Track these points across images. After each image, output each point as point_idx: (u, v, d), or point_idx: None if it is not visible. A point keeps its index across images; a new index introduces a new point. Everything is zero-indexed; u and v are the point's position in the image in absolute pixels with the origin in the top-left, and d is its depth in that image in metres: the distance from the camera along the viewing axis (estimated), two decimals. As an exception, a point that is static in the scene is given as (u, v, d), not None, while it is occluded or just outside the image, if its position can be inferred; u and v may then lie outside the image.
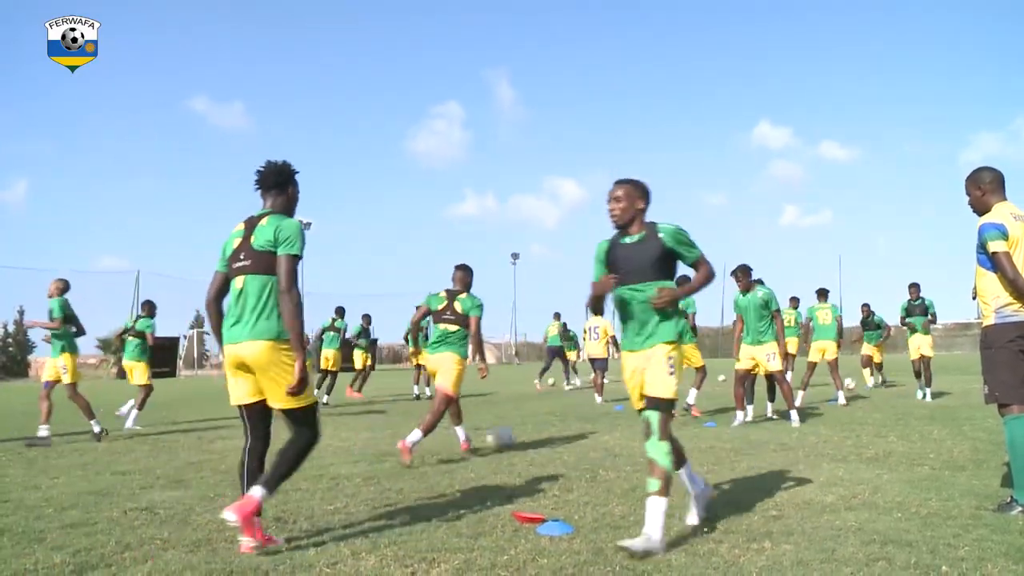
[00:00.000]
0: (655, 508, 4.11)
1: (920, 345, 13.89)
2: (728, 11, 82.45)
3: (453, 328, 7.82)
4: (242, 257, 4.28)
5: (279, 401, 4.23)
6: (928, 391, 13.56)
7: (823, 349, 13.76)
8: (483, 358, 8.05)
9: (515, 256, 60.05)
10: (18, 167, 77.17)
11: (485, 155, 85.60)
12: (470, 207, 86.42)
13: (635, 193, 4.51)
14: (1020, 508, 4.61)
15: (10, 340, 50.28)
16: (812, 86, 79.74)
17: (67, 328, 10.20)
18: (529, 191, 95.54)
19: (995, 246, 4.74)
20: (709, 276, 4.48)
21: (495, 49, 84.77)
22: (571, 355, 22.91)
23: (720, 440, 8.49)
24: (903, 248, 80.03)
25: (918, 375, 13.93)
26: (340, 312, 16.64)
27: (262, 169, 4.46)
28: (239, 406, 4.35)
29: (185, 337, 48.84)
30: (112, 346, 43.16)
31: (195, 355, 49.55)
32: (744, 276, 10.23)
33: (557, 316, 20.64)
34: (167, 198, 77.49)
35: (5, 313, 53.57)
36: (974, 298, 5.22)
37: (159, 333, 13.01)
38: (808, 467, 6.54)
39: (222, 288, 4.40)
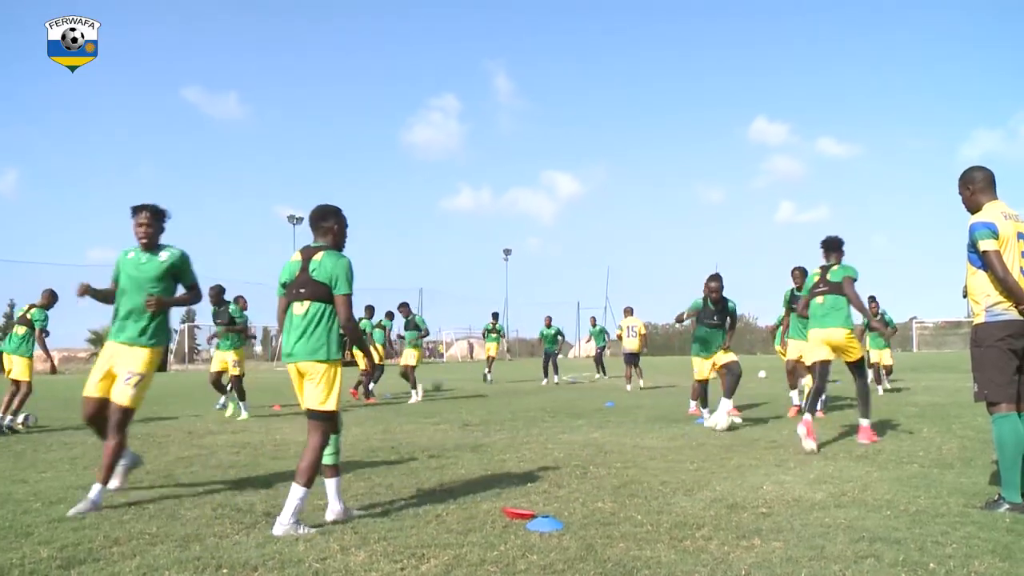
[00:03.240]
0: None
1: (881, 356, 15.13)
2: (726, 6, 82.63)
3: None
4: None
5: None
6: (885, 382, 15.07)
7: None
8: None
9: (507, 252, 60.09)
10: (7, 156, 76.66)
11: (481, 148, 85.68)
12: (465, 200, 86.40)
13: None
14: (1007, 506, 4.64)
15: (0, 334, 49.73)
16: (809, 82, 79.99)
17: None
18: (526, 185, 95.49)
19: (985, 245, 4.75)
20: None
21: (493, 41, 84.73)
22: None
23: (711, 437, 8.51)
24: (899, 245, 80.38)
25: (877, 377, 14.84)
26: (370, 311, 16.89)
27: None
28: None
29: (176, 331, 48.70)
30: (103, 340, 43.09)
31: (186, 350, 49.41)
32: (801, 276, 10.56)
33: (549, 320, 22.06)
34: (160, 189, 77.23)
35: (-7, 307, 53.30)
36: (964, 296, 5.23)
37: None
38: (798, 464, 6.56)
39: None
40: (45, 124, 73.49)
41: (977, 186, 5.00)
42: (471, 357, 50.94)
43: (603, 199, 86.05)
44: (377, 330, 17.04)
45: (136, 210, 5.59)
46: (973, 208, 5.00)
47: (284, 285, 4.86)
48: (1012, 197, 4.95)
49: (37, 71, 69.76)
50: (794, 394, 11.29)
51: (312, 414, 4.70)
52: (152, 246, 5.61)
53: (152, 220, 5.59)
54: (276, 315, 4.97)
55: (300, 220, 50.18)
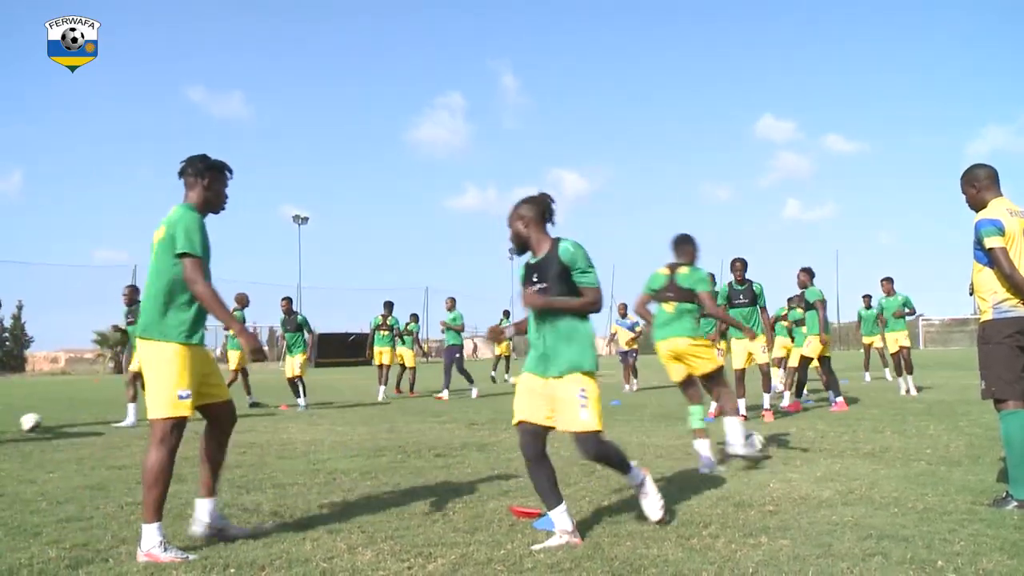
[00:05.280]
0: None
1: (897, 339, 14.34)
2: (732, 4, 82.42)
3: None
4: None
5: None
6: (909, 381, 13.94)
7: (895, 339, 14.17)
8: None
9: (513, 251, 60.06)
10: (12, 156, 76.81)
11: (487, 147, 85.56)
12: (471, 199, 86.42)
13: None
14: (1016, 503, 4.62)
15: (7, 335, 49.51)
16: (816, 79, 79.74)
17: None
18: (532, 183, 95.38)
19: (991, 242, 4.74)
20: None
21: (499, 40, 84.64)
22: None
23: (717, 435, 8.48)
24: (906, 243, 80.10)
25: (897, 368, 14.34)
26: (389, 307, 17.04)
27: None
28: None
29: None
30: (110, 340, 43.12)
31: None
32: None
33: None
34: (165, 189, 77.26)
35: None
36: (971, 294, 5.21)
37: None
38: (805, 462, 6.55)
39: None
40: (48, 124, 73.69)
41: (982, 183, 4.99)
42: (476, 356, 50.94)
43: (609, 197, 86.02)
44: (384, 332, 16.94)
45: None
46: (978, 206, 4.98)
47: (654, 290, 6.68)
48: (1022, 192, 4.93)
49: (38, 71, 69.86)
50: (766, 397, 10.67)
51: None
52: None
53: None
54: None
55: (305, 220, 50.17)
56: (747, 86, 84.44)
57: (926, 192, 79.42)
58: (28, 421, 10.11)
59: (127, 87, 76.27)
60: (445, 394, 15.50)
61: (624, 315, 18.31)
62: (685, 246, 6.95)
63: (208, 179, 4.35)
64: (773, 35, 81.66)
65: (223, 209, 4.48)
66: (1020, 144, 72.88)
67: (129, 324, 12.01)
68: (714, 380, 6.79)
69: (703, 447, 6.41)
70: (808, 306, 11.69)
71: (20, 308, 48.69)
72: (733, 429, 6.60)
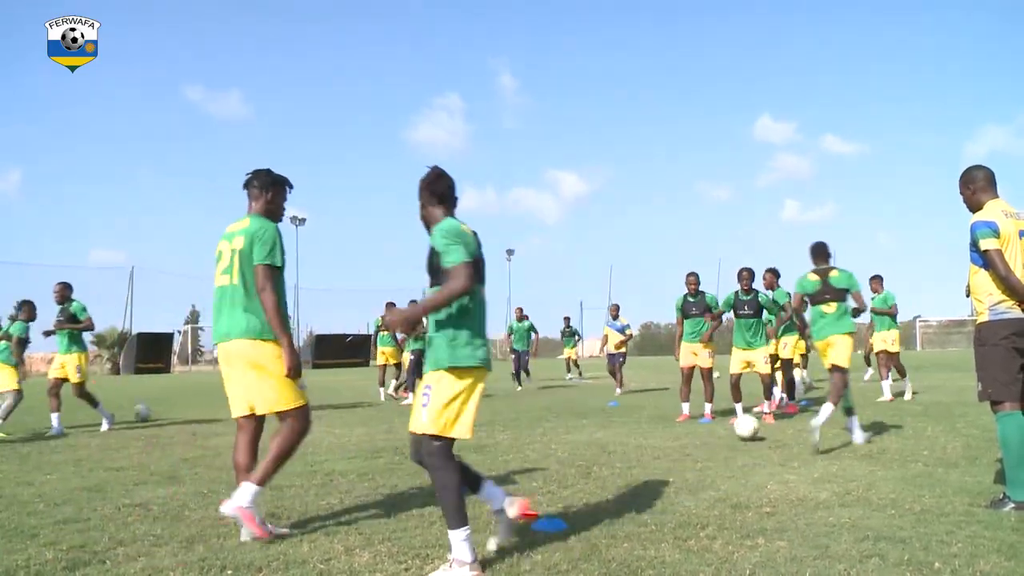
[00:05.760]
0: None
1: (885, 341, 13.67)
2: (730, 4, 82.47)
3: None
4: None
5: None
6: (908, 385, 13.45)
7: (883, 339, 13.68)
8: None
9: (510, 252, 59.98)
10: (11, 156, 76.65)
11: (485, 147, 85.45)
12: (469, 200, 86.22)
13: None
14: (1013, 504, 4.63)
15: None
16: (815, 80, 79.75)
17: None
18: (530, 184, 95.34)
19: (987, 244, 4.76)
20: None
21: (497, 39, 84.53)
22: (571, 352, 22.94)
23: (715, 436, 8.50)
24: (904, 244, 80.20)
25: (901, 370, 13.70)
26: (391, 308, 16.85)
27: None
28: None
29: (180, 332, 48.80)
30: (106, 342, 43.11)
31: (189, 351, 49.50)
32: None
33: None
34: (163, 190, 77.15)
35: (-1, 309, 53.26)
36: (967, 296, 5.22)
37: (155, 328, 13.01)
38: (802, 464, 6.56)
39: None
40: (46, 124, 73.36)
41: (978, 185, 5.00)
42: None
43: (608, 198, 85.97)
44: (385, 332, 16.63)
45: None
46: (974, 207, 5.00)
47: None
48: (1022, 192, 4.95)
49: (38, 71, 69.66)
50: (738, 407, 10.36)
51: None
52: None
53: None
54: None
55: (303, 221, 50.11)
56: (745, 87, 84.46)
57: (925, 193, 79.42)
58: (142, 410, 11.09)
59: (125, 87, 76.04)
60: None
61: (616, 317, 17.47)
62: (823, 252, 8.29)
63: (272, 192, 4.73)
64: (771, 36, 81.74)
65: (280, 220, 4.79)
66: (1018, 145, 72.93)
67: (58, 327, 10.81)
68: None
69: (854, 424, 7.82)
70: (779, 308, 11.42)
71: (17, 308, 48.57)
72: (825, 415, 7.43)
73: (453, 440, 3.75)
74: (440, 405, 3.69)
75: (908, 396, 12.97)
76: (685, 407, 10.72)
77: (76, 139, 73.79)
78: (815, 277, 8.14)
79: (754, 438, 7.96)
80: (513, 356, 19.55)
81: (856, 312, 8.12)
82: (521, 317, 19.26)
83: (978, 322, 4.97)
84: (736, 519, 4.61)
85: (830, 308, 8.01)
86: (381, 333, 16.56)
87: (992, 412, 4.92)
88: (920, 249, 74.69)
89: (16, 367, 11.00)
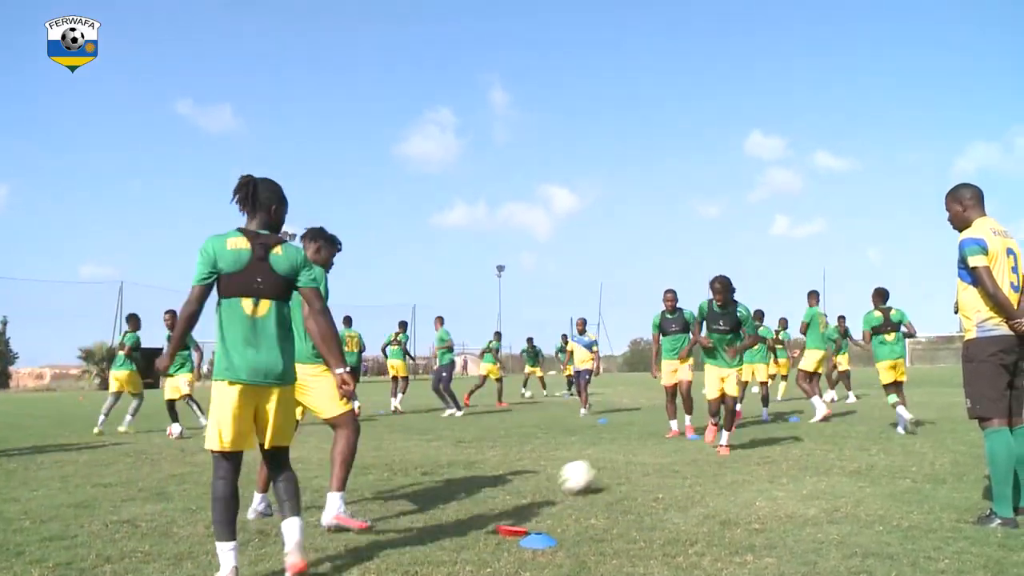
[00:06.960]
0: None
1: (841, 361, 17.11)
2: (721, 20, 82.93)
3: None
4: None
5: None
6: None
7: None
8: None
9: (500, 268, 60.01)
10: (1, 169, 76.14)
11: (477, 162, 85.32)
12: (459, 215, 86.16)
13: None
14: (999, 521, 4.65)
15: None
16: (805, 96, 79.98)
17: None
18: (521, 199, 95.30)
19: (975, 261, 4.80)
20: None
21: (488, 54, 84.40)
22: (535, 370, 22.90)
23: (703, 453, 8.51)
24: (894, 259, 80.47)
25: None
26: (403, 326, 18.44)
27: None
28: None
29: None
30: (95, 356, 42.77)
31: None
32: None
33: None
34: (152, 204, 76.74)
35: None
36: (956, 312, 5.27)
37: (144, 343, 13.14)
38: (791, 480, 6.57)
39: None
40: (36, 138, 73.05)
41: (967, 203, 5.06)
42: (465, 373, 50.83)
43: (599, 213, 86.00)
44: (395, 347, 17.91)
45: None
46: (962, 225, 5.05)
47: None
48: (1010, 209, 5.01)
49: (32, 82, 69.30)
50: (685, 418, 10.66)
51: None
52: None
53: None
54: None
55: (293, 237, 49.99)
56: (736, 103, 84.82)
57: (915, 209, 79.76)
58: (175, 430, 11.76)
59: (115, 101, 75.73)
60: (456, 412, 15.70)
61: (583, 332, 16.06)
62: (884, 295, 10.97)
63: (318, 244, 5.81)
64: (762, 52, 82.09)
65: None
66: (1006, 162, 73.39)
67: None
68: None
69: (903, 411, 10.21)
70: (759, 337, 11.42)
71: (5, 324, 48.17)
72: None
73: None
74: (213, 419, 3.98)
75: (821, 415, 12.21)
76: (673, 424, 10.75)
77: (65, 153, 73.45)
78: (879, 314, 10.77)
79: (586, 490, 6.11)
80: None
81: (908, 336, 11.03)
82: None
83: (966, 339, 5.01)
84: (725, 536, 4.61)
85: (890, 337, 10.71)
86: (392, 347, 17.83)
87: (980, 428, 4.95)
88: (909, 265, 74.94)
89: (136, 372, 12.86)
